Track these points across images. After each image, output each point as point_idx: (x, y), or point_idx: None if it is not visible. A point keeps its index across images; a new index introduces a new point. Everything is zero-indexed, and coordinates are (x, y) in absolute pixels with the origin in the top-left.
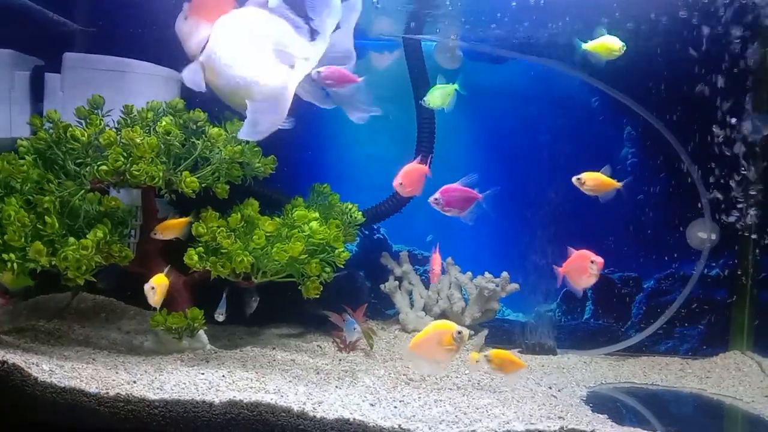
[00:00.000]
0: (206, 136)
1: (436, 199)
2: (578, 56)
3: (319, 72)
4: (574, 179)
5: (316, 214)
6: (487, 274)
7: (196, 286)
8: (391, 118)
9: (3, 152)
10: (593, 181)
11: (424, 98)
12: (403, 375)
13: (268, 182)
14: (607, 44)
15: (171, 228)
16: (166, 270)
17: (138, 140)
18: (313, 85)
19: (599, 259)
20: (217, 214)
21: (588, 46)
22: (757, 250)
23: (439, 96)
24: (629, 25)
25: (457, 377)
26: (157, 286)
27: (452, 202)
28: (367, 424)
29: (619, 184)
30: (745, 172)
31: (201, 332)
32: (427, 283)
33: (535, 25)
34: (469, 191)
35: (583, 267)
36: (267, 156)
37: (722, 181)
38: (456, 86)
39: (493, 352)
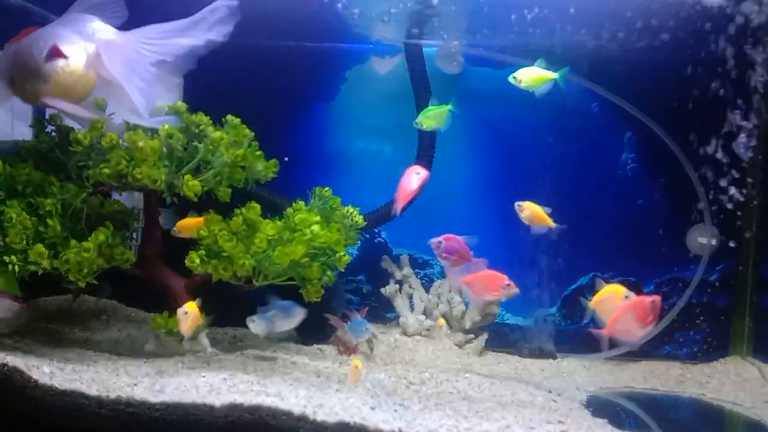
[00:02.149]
0: (208, 140)
1: (439, 242)
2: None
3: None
4: (515, 204)
5: (318, 218)
6: None
7: (197, 289)
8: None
9: (5, 155)
10: (530, 211)
11: (416, 120)
12: (404, 379)
13: (270, 186)
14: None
15: (191, 226)
16: (197, 300)
17: (140, 143)
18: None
19: (654, 300)
20: (220, 217)
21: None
22: (757, 256)
23: (434, 117)
24: (627, 31)
25: (456, 381)
26: (190, 312)
27: (450, 252)
28: (367, 428)
29: (553, 225)
30: (745, 178)
31: (202, 335)
32: (427, 287)
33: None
34: (467, 252)
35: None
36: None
37: (722, 186)
38: (450, 107)
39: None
